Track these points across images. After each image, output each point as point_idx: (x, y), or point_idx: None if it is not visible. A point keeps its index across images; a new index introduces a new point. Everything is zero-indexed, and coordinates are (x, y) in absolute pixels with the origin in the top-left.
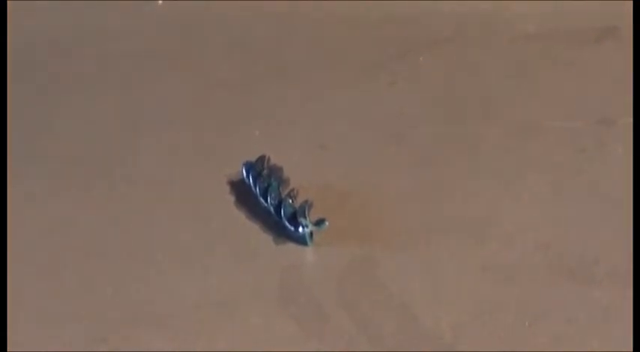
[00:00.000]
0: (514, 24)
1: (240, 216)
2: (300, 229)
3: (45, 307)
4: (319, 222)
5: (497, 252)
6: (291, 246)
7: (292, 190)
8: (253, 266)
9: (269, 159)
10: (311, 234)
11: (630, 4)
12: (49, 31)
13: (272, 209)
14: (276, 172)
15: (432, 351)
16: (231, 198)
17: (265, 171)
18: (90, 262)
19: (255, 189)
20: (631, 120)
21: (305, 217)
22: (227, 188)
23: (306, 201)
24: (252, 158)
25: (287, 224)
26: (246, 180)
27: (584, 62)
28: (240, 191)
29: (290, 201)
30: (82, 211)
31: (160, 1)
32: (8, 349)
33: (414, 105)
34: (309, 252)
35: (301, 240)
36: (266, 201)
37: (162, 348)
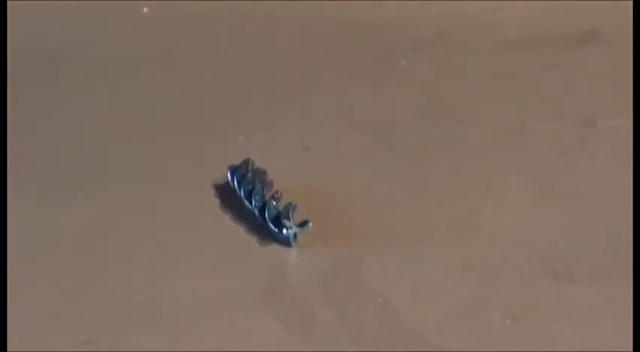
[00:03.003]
0: (497, 28)
1: (225, 219)
2: (284, 231)
3: (34, 308)
4: (303, 224)
5: (481, 251)
6: (275, 248)
7: (276, 192)
8: (238, 268)
9: (253, 162)
10: (295, 235)
11: (610, 8)
12: (36, 39)
13: (256, 211)
14: (260, 175)
15: (417, 350)
16: (217, 201)
17: (249, 174)
18: (77, 264)
19: (240, 191)
20: (612, 121)
21: (289, 219)
22: (212, 191)
23: (289, 203)
24: (237, 161)
25: (271, 226)
26: (231, 183)
27: (567, 65)
28: (225, 194)
29: (274, 203)
30: (70, 213)
31: (146, 9)
32: None
33: (397, 108)
34: (293, 253)
35: (285, 242)
36: (250, 203)
37: (149, 348)
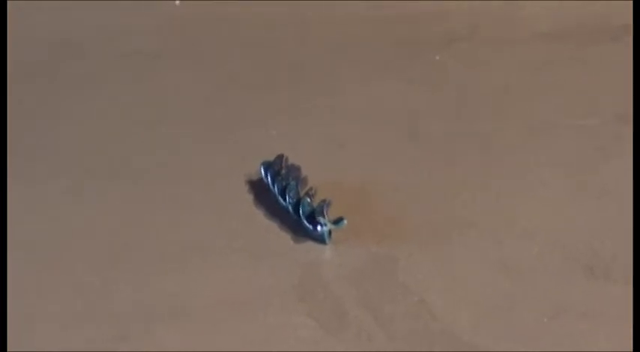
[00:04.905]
0: (529, 23)
1: (258, 215)
2: (319, 228)
3: (65, 306)
4: (337, 221)
5: (515, 248)
6: (309, 245)
7: (310, 189)
8: (272, 265)
9: (287, 158)
10: (329, 232)
11: None
12: (62, 29)
13: (290, 208)
14: (294, 171)
15: (451, 349)
16: (250, 197)
17: (283, 171)
18: (109, 261)
19: (274, 188)
20: None
21: (323, 216)
22: (246, 187)
23: (324, 200)
24: (271, 157)
25: (305, 222)
26: (265, 180)
27: (600, 60)
28: (259, 190)
29: (308, 199)
30: (101, 210)
31: (178, 2)
32: (26, 349)
33: (430, 103)
34: (327, 250)
35: (319, 239)
36: (284, 200)
37: (181, 346)
